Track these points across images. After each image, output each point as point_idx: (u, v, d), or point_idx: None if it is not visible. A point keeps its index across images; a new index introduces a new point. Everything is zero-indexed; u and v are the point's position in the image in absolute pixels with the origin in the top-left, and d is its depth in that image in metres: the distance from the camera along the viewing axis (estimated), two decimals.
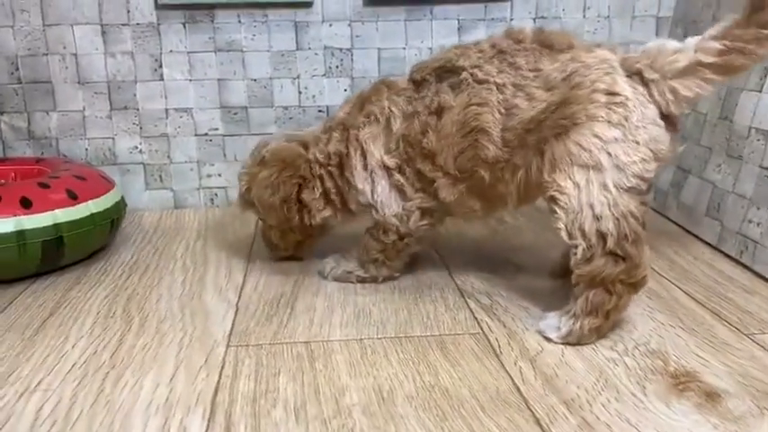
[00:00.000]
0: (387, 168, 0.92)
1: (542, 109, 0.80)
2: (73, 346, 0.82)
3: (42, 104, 1.32)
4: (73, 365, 0.78)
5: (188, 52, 1.32)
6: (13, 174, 1.19)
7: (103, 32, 1.30)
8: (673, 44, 0.78)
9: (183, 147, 1.36)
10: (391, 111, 0.91)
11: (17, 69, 1.30)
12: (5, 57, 1.29)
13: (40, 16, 1.28)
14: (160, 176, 1.38)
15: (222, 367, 0.77)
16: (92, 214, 1.05)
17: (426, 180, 0.90)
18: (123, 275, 1.05)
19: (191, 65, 1.33)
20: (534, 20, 1.36)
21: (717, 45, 0.75)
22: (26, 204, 0.98)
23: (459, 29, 1.36)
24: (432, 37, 1.35)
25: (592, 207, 0.78)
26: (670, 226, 1.25)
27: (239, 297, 0.97)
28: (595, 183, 0.78)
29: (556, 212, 0.80)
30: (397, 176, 0.92)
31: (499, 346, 0.81)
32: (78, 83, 1.32)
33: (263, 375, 0.75)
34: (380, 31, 1.34)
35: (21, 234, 0.97)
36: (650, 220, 1.12)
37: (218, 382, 0.74)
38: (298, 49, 1.34)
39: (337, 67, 1.35)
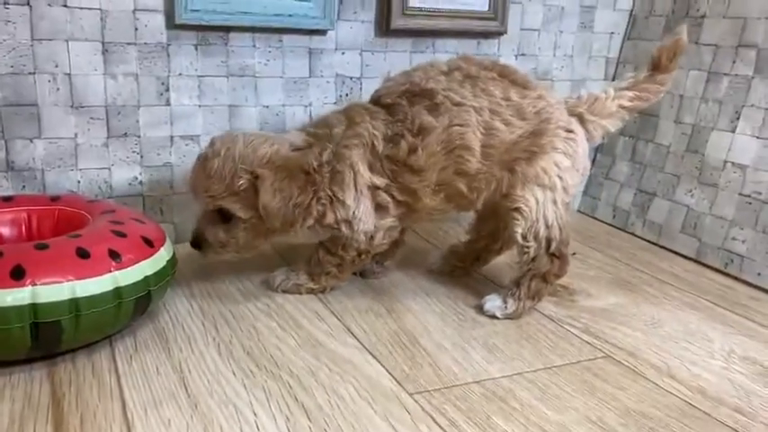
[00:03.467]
0: (374, 188, 1.01)
1: (519, 134, 0.99)
2: (255, 415, 0.77)
3: (25, 131, 1.14)
4: None
5: (198, 76, 1.23)
6: (25, 215, 1.02)
7: (105, 51, 1.16)
8: (602, 94, 1.06)
9: (186, 176, 1.26)
10: (374, 134, 1.00)
11: None
12: None
13: (28, 29, 1.10)
14: (161, 209, 1.26)
15: (432, 417, 0.78)
16: (167, 263, 0.96)
17: (410, 191, 1.01)
18: (209, 327, 0.97)
19: (201, 89, 1.24)
20: (516, 56, 1.49)
21: (630, 93, 1.06)
22: (116, 258, 0.87)
23: None
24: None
25: (545, 218, 1.01)
26: (640, 241, 1.46)
27: (355, 338, 0.96)
28: (549, 200, 1.00)
29: (517, 219, 1.01)
30: (383, 195, 1.01)
31: (635, 367, 0.92)
32: (71, 106, 1.16)
33: (476, 419, 0.78)
34: (388, 61, 1.37)
35: (118, 292, 0.86)
36: (617, 235, 1.35)
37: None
38: (310, 76, 1.32)
39: (347, 94, 1.35)
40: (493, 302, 1.05)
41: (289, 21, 1.24)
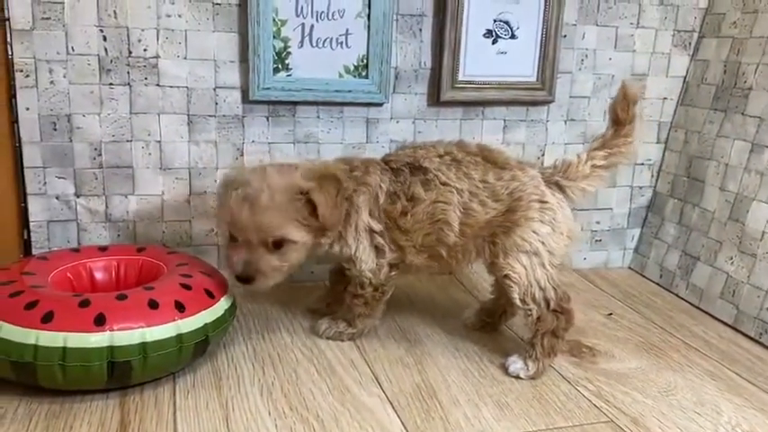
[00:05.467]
0: (371, 231, 1.14)
1: (493, 215, 1.12)
2: None
3: (122, 188, 1.35)
4: None
5: (269, 143, 1.41)
6: (116, 263, 1.22)
7: (189, 122, 1.35)
8: (574, 159, 1.14)
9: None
10: (380, 186, 1.14)
11: (99, 155, 1.32)
12: (89, 143, 1.31)
13: (128, 104, 1.32)
14: None
15: None
16: (225, 311, 1.12)
17: (399, 246, 1.15)
18: (257, 368, 1.13)
19: (271, 154, 1.41)
20: (565, 122, 1.58)
21: (601, 153, 1.14)
22: (180, 309, 1.04)
23: (504, 128, 1.54)
24: (481, 133, 1.52)
25: (537, 282, 1.11)
26: (681, 303, 1.50)
27: (380, 388, 1.08)
28: (536, 264, 1.11)
29: (511, 286, 1.11)
30: (379, 239, 1.14)
31: None
32: (160, 168, 1.36)
33: None
34: (439, 128, 1.50)
35: (179, 338, 1.03)
36: (660, 295, 1.52)
37: None
38: (367, 142, 1.46)
39: None
40: (516, 365, 1.14)
41: (348, 96, 1.40)
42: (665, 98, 1.63)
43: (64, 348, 0.96)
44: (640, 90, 1.13)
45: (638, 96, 1.12)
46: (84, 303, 1.00)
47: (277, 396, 1.05)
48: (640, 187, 1.68)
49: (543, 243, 1.11)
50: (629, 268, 1.70)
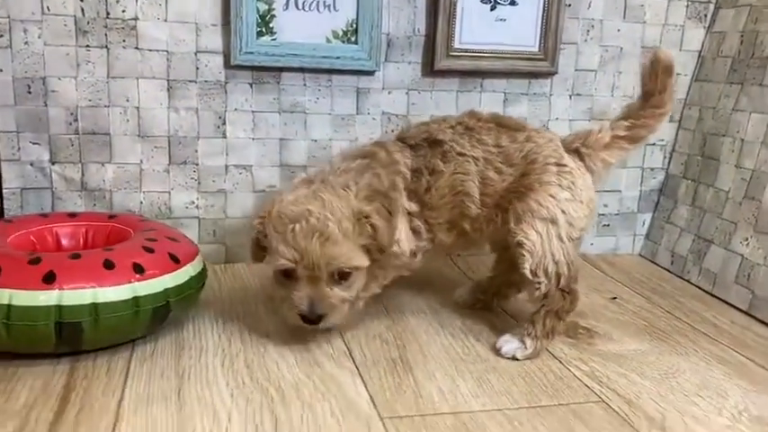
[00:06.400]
0: (409, 214, 1.05)
1: (510, 182, 1.04)
2: (229, 420, 0.83)
3: (98, 156, 1.30)
4: None
5: (253, 111, 1.34)
6: (84, 230, 1.17)
7: (169, 88, 1.30)
8: (595, 127, 1.07)
9: (239, 202, 1.38)
10: (406, 163, 1.06)
11: (75, 120, 1.27)
12: (65, 107, 1.26)
13: (105, 68, 1.26)
14: (214, 231, 1.38)
15: None
16: (191, 278, 1.06)
17: (429, 226, 1.07)
18: (223, 339, 1.05)
19: (254, 123, 1.35)
20: (570, 96, 1.49)
21: (625, 123, 1.05)
22: (139, 271, 0.98)
23: (504, 101, 1.46)
24: (480, 107, 1.44)
25: (552, 254, 1.01)
26: (693, 289, 1.39)
27: (353, 362, 1.00)
28: (553, 234, 1.01)
29: (523, 255, 1.01)
30: (416, 221, 1.06)
31: (627, 415, 0.89)
32: (138, 136, 1.31)
33: None
34: (434, 100, 1.42)
35: (135, 301, 0.96)
36: (671, 282, 1.40)
37: None
38: (357, 113, 1.39)
39: (393, 131, 1.41)
40: (510, 344, 1.05)
41: (336, 62, 1.33)
42: (678, 74, 1.53)
43: (9, 306, 0.90)
44: (672, 57, 1.02)
45: (671, 63, 1.02)
46: (35, 261, 0.94)
47: (239, 367, 0.97)
48: (652, 169, 1.58)
49: (563, 211, 1.02)
50: (640, 255, 1.60)
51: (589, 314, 1.23)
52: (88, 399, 0.87)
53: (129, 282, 0.96)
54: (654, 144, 1.56)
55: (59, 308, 0.91)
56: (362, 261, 0.98)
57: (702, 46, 1.52)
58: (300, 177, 1.08)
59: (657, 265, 1.54)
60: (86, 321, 0.92)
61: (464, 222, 1.07)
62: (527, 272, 1.02)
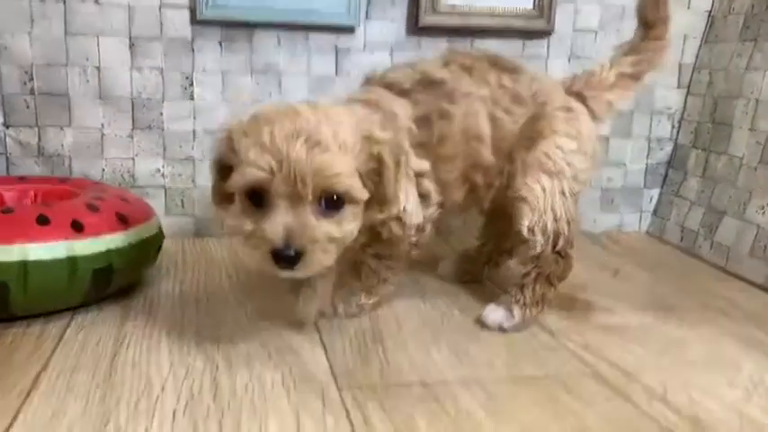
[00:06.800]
0: (418, 176, 0.88)
1: (522, 123, 0.91)
2: (162, 389, 0.73)
3: (56, 119, 1.20)
4: (174, 412, 0.69)
5: (222, 72, 1.25)
6: (32, 192, 1.07)
7: (132, 45, 1.20)
8: (597, 67, 0.96)
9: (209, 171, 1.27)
10: (408, 117, 0.87)
11: (31, 80, 1.18)
12: (19, 65, 1.17)
13: (62, 24, 1.17)
14: (182, 201, 1.28)
15: (348, 412, 0.70)
16: (141, 240, 0.95)
17: (442, 183, 0.90)
18: (176, 308, 0.95)
19: (224, 85, 1.25)
20: (569, 59, 1.38)
21: (629, 59, 0.95)
22: (78, 228, 0.88)
23: None
24: None
25: (554, 210, 0.90)
26: (704, 266, 1.27)
27: (319, 333, 0.89)
28: (557, 189, 0.90)
29: (523, 210, 0.90)
30: (426, 182, 0.89)
31: (623, 386, 0.78)
32: (99, 98, 1.21)
33: (396, 419, 0.69)
34: None
35: (72, 261, 0.86)
36: (682, 258, 1.26)
37: (352, 429, 0.67)
38: (337, 74, 1.29)
39: None
40: (496, 314, 0.93)
41: (313, 17, 1.23)
42: (685, 36, 1.41)
43: None
44: None
45: None
46: None
47: (188, 336, 0.87)
48: (659, 140, 1.46)
49: (569, 164, 0.91)
50: (647, 233, 1.48)
51: (588, 289, 1.11)
52: (8, 365, 0.76)
53: (66, 239, 0.86)
54: (661, 112, 1.44)
55: None
56: (361, 191, 0.75)
57: (712, 5, 1.41)
58: None
59: (666, 242, 1.41)
60: (13, 282, 0.82)
61: (477, 175, 0.92)
62: (524, 228, 0.91)
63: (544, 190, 0.90)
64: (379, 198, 0.78)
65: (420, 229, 0.89)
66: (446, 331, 0.91)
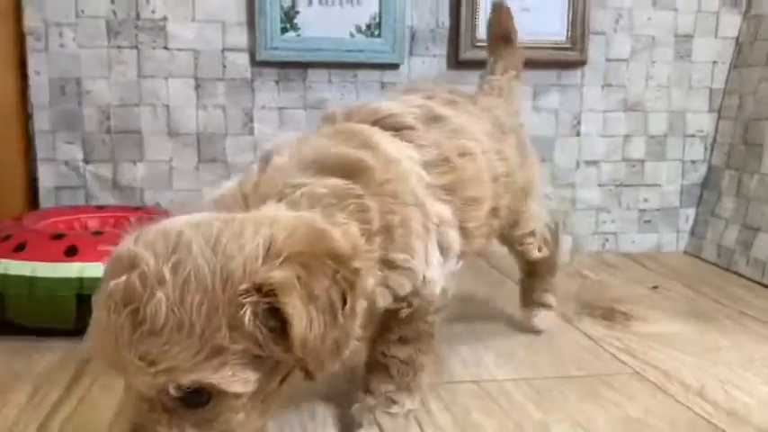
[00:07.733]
0: (438, 225, 0.68)
1: (518, 152, 0.87)
2: None
3: (130, 154, 1.32)
4: None
5: (279, 108, 1.36)
6: (112, 220, 1.18)
7: (197, 86, 1.32)
8: (495, 77, 0.99)
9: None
10: (413, 158, 0.69)
11: (108, 119, 1.31)
12: (98, 107, 1.30)
13: (136, 68, 1.30)
14: None
15: None
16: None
17: (464, 231, 0.73)
18: None
19: (281, 120, 1.36)
20: (602, 87, 1.45)
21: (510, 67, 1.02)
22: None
23: (534, 93, 1.43)
24: None
25: (543, 221, 0.96)
26: (741, 280, 1.31)
27: None
28: (540, 203, 0.96)
29: (531, 242, 0.95)
30: (449, 231, 0.70)
31: (662, 383, 0.84)
32: (168, 134, 1.33)
33: (454, 410, 0.76)
34: None
35: None
36: (720, 274, 1.33)
37: (419, 417, 0.74)
38: None
39: None
40: (539, 318, 1.01)
41: (360, 56, 1.33)
42: (714, 62, 1.48)
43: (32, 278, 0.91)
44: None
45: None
46: (58, 236, 0.95)
47: None
48: (693, 161, 1.52)
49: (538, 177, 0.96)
50: (685, 252, 1.53)
51: (628, 301, 1.17)
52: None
53: None
54: (693, 135, 1.50)
55: (80, 280, 0.91)
56: (228, 381, 0.49)
57: (740, 32, 1.48)
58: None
59: (704, 260, 1.46)
60: None
61: (493, 219, 0.80)
62: (534, 252, 0.96)
63: (537, 211, 0.95)
64: (300, 362, 0.50)
65: (443, 292, 0.69)
66: (498, 338, 0.98)
